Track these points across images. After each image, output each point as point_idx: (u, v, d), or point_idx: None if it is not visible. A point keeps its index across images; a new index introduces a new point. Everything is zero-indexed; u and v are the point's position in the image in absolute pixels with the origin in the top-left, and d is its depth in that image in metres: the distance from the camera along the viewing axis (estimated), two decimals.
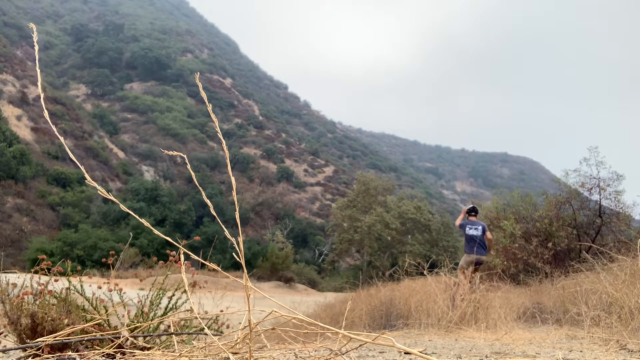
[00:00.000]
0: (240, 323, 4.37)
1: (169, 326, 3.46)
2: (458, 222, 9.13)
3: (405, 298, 5.75)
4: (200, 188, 1.80)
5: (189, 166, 1.72)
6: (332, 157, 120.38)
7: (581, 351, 3.06)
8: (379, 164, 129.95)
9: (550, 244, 15.54)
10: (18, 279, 3.75)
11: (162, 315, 3.95)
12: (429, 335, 4.04)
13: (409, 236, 50.94)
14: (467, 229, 8.54)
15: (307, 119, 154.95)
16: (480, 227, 8.62)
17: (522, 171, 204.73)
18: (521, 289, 10.90)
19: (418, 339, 3.67)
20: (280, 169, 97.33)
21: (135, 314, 3.90)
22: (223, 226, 1.57)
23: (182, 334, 3.34)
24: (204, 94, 1.64)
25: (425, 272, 6.34)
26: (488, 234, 8.63)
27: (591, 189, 16.50)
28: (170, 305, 4.33)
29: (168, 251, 4.30)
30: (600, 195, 16.38)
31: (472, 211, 9.06)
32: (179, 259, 4.21)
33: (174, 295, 4.36)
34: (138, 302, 3.99)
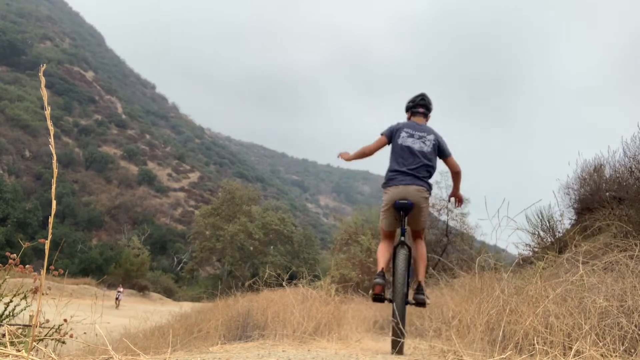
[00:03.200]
0: (85, 333, 4.08)
1: (4, 335, 3.14)
2: (361, 150, 4.47)
3: (262, 309, 5.76)
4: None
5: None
6: (198, 163, 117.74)
7: None
8: (246, 173, 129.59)
9: None
10: None
11: None
12: (283, 346, 4.09)
13: (272, 247, 51.35)
14: (401, 135, 4.31)
15: (175, 122, 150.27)
16: (431, 138, 4.30)
17: (382, 189, 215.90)
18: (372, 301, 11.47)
19: (272, 350, 3.70)
20: (141, 172, 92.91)
21: None
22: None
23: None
24: (43, 79, 1.52)
25: (284, 284, 6.42)
26: (452, 160, 4.41)
27: (440, 209, 18.00)
28: (6, 312, 3.93)
29: (8, 253, 3.90)
30: (447, 216, 17.94)
31: (420, 106, 4.49)
32: (20, 262, 3.85)
33: (11, 301, 3.97)
34: None
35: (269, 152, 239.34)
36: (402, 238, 4.02)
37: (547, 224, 9.02)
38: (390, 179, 4.21)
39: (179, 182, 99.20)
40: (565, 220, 9.20)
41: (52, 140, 1.60)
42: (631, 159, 7.57)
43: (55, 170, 1.70)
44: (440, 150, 4.30)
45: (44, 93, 1.63)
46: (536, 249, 8.88)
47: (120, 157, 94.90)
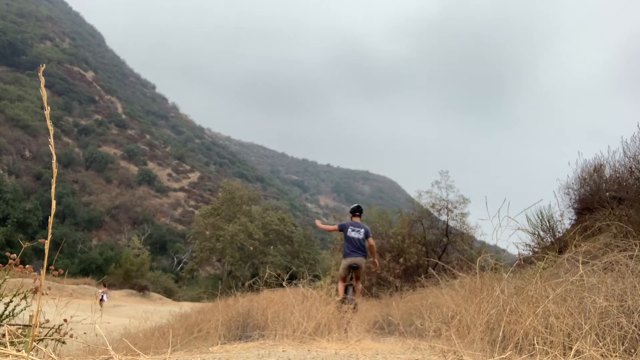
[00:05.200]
0: (85, 333, 4.08)
1: (4, 335, 3.13)
2: (326, 227, 8.73)
3: (262, 309, 5.76)
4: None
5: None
6: (198, 163, 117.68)
7: None
8: (246, 173, 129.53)
9: (401, 260, 16.59)
10: None
11: None
12: (283, 346, 4.09)
13: (272, 247, 51.32)
14: (349, 230, 7.84)
15: (175, 122, 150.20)
16: (362, 230, 7.90)
17: (381, 189, 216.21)
18: (373, 301, 11.48)
19: (272, 350, 3.70)
20: (141, 172, 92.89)
21: None
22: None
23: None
24: (42, 79, 1.53)
25: (284, 284, 6.42)
26: (370, 240, 8.00)
27: (440, 210, 17.97)
28: (6, 312, 3.92)
29: (8, 253, 3.89)
30: (447, 216, 17.90)
31: (357, 211, 8.23)
32: (20, 262, 3.85)
33: (11, 301, 3.96)
34: None
35: (269, 152, 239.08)
36: (351, 282, 7.69)
37: (547, 224, 9.02)
38: (348, 254, 7.69)
39: (179, 182, 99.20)
40: (565, 220, 9.21)
41: (52, 140, 1.60)
42: (631, 159, 7.57)
43: (55, 170, 1.70)
44: (366, 235, 7.90)
45: (44, 93, 1.63)
46: (536, 249, 8.88)
47: (120, 157, 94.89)
